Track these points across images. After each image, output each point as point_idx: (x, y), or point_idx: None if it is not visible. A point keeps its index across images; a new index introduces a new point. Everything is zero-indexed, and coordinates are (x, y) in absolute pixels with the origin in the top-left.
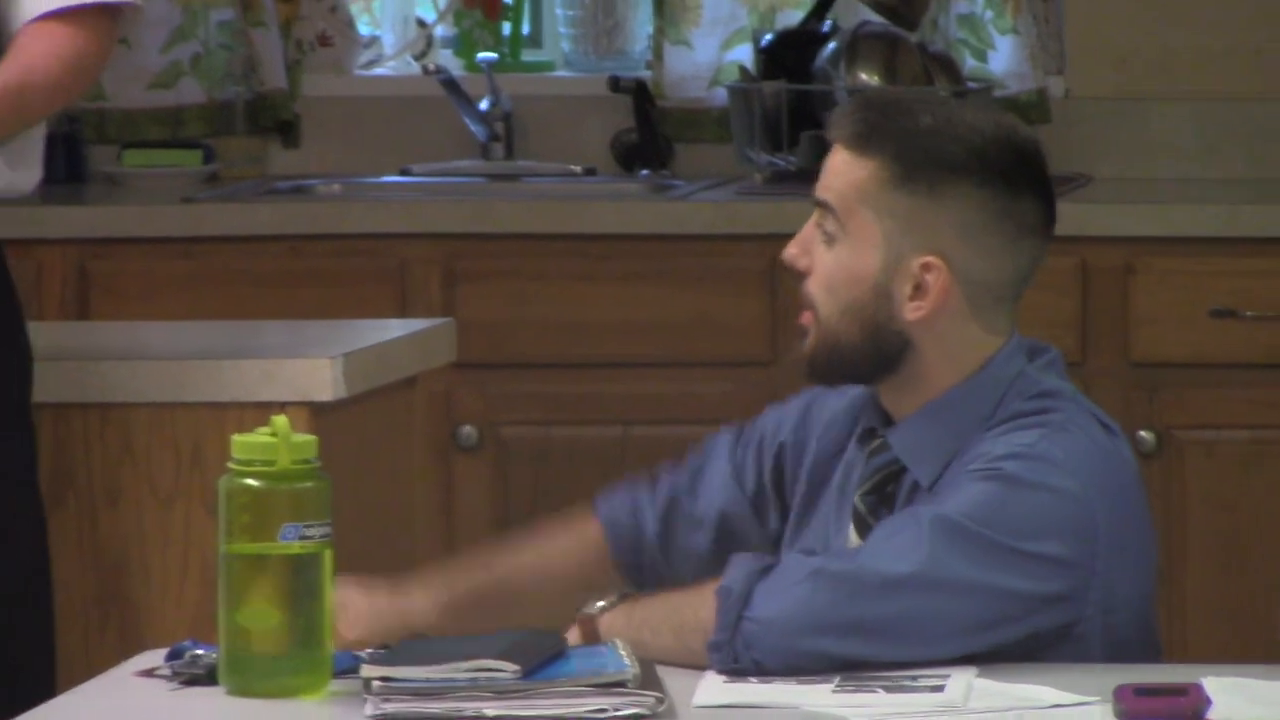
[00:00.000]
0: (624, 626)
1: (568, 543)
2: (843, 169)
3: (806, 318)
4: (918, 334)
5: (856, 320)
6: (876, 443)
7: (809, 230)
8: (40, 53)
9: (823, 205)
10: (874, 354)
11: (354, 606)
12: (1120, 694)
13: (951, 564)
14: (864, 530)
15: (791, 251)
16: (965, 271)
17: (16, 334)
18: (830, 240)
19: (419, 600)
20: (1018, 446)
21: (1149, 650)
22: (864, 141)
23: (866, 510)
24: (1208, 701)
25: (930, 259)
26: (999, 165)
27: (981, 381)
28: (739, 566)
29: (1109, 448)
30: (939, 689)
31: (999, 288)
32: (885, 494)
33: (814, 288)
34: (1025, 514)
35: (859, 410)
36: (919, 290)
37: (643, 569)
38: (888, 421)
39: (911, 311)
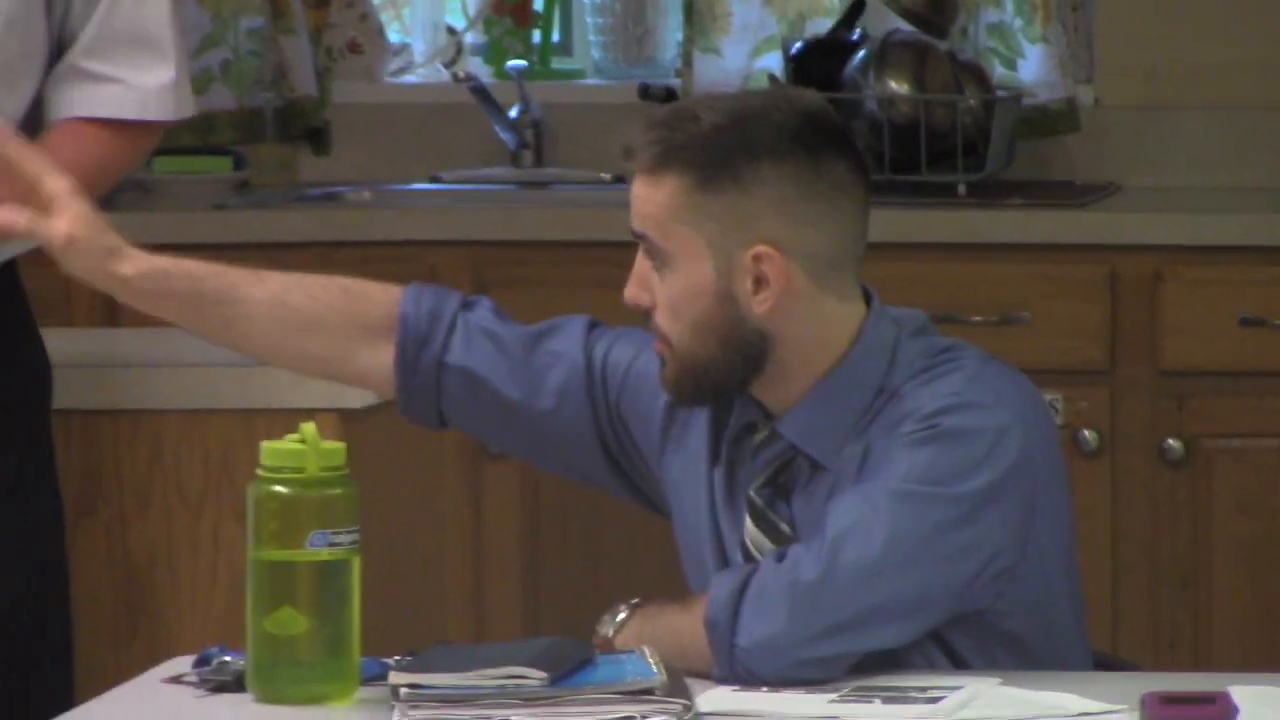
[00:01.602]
0: (634, 645)
1: (336, 297)
2: (646, 194)
3: (659, 347)
4: (774, 325)
5: (710, 334)
6: (761, 435)
7: (640, 266)
8: (68, 156)
9: (640, 237)
10: (738, 360)
11: (76, 211)
12: (1147, 701)
13: (919, 535)
14: (762, 523)
15: (631, 292)
16: (797, 248)
17: (31, 344)
18: (660, 267)
19: (133, 252)
20: (946, 398)
21: (1075, 595)
22: (660, 162)
23: (764, 503)
24: (1235, 710)
25: (759, 249)
26: (791, 135)
27: (862, 353)
28: (720, 589)
29: (1022, 381)
30: (937, 699)
31: (834, 253)
32: (779, 484)
33: (661, 318)
34: (972, 462)
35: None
36: (760, 283)
37: (412, 372)
38: (765, 413)
39: (759, 305)
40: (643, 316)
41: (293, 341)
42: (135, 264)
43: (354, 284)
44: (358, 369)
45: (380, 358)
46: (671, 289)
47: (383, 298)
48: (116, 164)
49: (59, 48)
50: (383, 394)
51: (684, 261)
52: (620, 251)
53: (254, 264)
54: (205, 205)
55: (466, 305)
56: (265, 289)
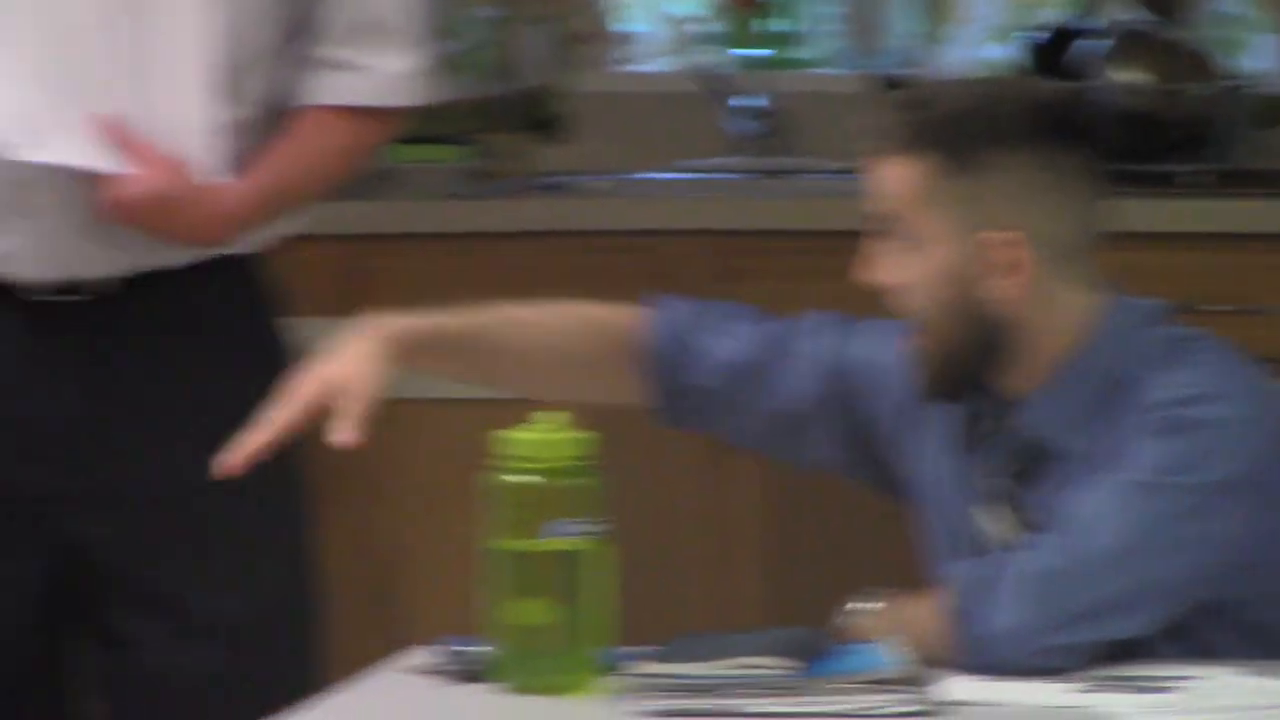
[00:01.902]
0: (876, 635)
1: (580, 330)
2: (895, 176)
3: (904, 331)
4: (1013, 312)
5: (950, 318)
6: (1000, 423)
7: (880, 247)
8: (313, 145)
9: (882, 219)
10: (978, 345)
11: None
12: None
13: (1158, 525)
14: (1001, 512)
15: (868, 273)
16: (1041, 235)
17: (276, 334)
18: (904, 250)
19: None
20: (1186, 388)
21: None
22: (909, 144)
23: (1002, 492)
24: None
25: (1005, 235)
26: (1031, 123)
27: (1100, 341)
28: (961, 578)
29: (1255, 371)
30: (1182, 689)
31: (1072, 241)
32: (1018, 473)
33: (903, 301)
34: (1212, 453)
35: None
36: (1004, 269)
37: (673, 396)
38: (1003, 401)
39: (999, 291)
40: (877, 298)
41: (548, 380)
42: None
43: (593, 313)
44: (608, 395)
45: (628, 382)
46: (914, 272)
47: (625, 323)
48: (360, 151)
49: (298, 35)
50: (634, 408)
51: (930, 245)
52: (858, 240)
53: (490, 253)
54: (441, 194)
55: (708, 317)
56: (528, 329)
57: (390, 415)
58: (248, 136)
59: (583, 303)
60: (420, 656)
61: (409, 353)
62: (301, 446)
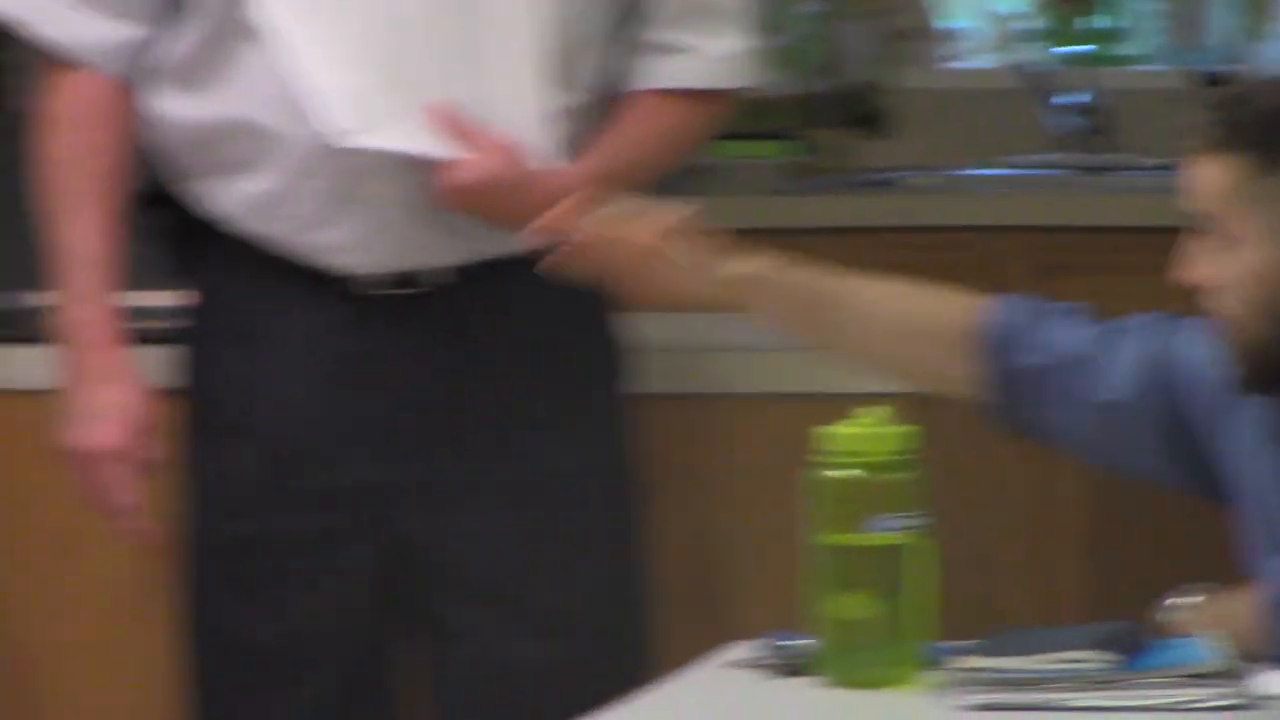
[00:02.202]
0: (1196, 629)
1: (932, 305)
2: (1210, 176)
3: (1219, 327)
4: None
5: (1269, 315)
6: None
7: (1197, 245)
8: (647, 131)
9: (1201, 217)
10: None
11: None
12: None
13: None
14: None
15: (1186, 272)
16: None
17: (603, 328)
18: (1220, 249)
19: (737, 257)
20: None
21: None
22: (1224, 143)
23: None
24: None
25: None
26: None
27: None
28: (1276, 576)
29: None
30: None
31: None
32: None
33: (1220, 300)
34: None
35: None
36: None
37: (1005, 383)
38: None
39: None
40: (1195, 296)
41: (900, 348)
42: (743, 265)
43: (935, 291)
44: (936, 377)
45: (959, 365)
46: (1230, 270)
47: (965, 304)
48: (691, 135)
49: (628, 19)
50: (964, 401)
51: (1246, 244)
52: (1178, 237)
53: (813, 249)
54: (766, 190)
55: (1045, 311)
56: (872, 294)
57: (715, 411)
58: (579, 122)
59: (922, 285)
60: (743, 650)
61: (751, 284)
62: (632, 441)
